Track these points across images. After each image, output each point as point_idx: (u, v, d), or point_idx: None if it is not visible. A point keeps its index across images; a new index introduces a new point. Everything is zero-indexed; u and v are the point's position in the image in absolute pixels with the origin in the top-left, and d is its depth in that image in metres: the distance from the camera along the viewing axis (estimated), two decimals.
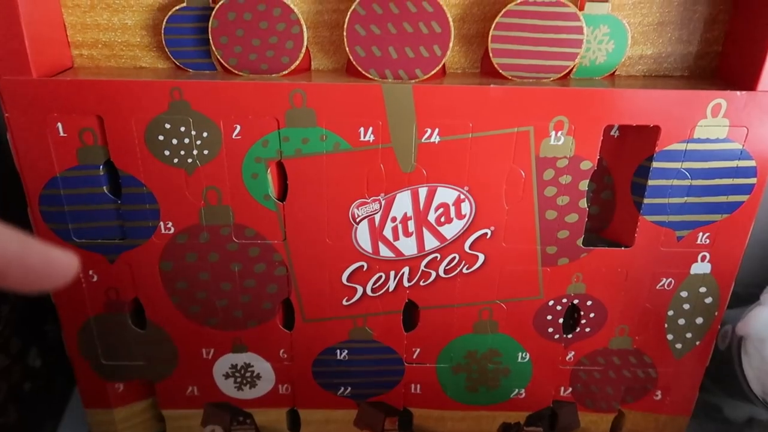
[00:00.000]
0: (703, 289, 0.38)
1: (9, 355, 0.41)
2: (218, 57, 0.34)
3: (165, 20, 0.34)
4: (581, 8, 0.33)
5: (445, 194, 0.35)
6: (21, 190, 0.35)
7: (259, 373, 0.41)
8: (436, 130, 0.33)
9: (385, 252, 0.37)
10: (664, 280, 0.37)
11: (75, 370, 0.40)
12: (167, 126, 0.33)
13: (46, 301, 0.38)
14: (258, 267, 0.37)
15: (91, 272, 0.37)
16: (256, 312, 0.38)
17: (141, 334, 0.39)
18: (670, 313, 0.39)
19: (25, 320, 0.43)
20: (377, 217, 0.36)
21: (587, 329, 0.39)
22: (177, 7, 0.33)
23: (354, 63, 0.34)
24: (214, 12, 0.33)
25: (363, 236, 0.36)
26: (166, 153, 0.34)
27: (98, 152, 0.34)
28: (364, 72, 0.34)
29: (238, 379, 0.41)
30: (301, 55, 0.34)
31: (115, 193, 0.35)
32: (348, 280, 0.37)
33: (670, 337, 0.39)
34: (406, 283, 0.38)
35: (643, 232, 0.36)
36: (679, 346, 0.40)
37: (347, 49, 0.33)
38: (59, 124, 0.33)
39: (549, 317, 0.39)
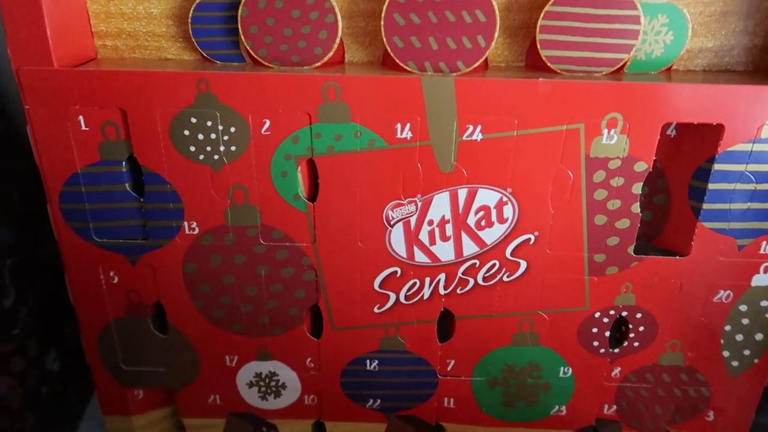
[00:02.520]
0: (764, 303, 0.35)
1: (27, 358, 0.39)
2: (247, 48, 0.32)
3: (192, 9, 0.32)
4: None
5: (487, 196, 0.33)
6: (41, 187, 0.33)
7: (285, 382, 0.39)
8: (479, 127, 0.31)
9: (420, 257, 0.34)
10: (722, 292, 0.35)
11: (94, 376, 0.39)
12: (193, 120, 0.31)
13: (66, 302, 0.37)
14: (286, 271, 0.35)
15: (111, 274, 0.35)
16: (282, 318, 0.37)
17: (162, 339, 0.37)
18: (727, 328, 0.36)
19: (43, 322, 0.41)
20: (413, 220, 0.33)
21: (636, 344, 0.37)
22: None
23: (391, 54, 0.32)
24: (244, 0, 0.31)
25: (397, 240, 0.34)
26: (192, 149, 0.32)
27: (121, 147, 0.32)
28: (402, 64, 0.32)
29: (263, 389, 0.39)
30: (335, 46, 0.32)
31: (138, 190, 0.33)
32: (380, 286, 0.35)
33: (726, 354, 0.37)
34: (441, 291, 0.35)
35: (701, 240, 0.33)
36: (735, 363, 0.37)
37: (384, 39, 0.31)
38: (81, 117, 0.31)
39: (594, 330, 0.36)
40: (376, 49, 0.34)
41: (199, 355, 0.38)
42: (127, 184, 0.33)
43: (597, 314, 0.36)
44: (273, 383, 0.39)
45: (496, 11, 0.30)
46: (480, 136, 0.31)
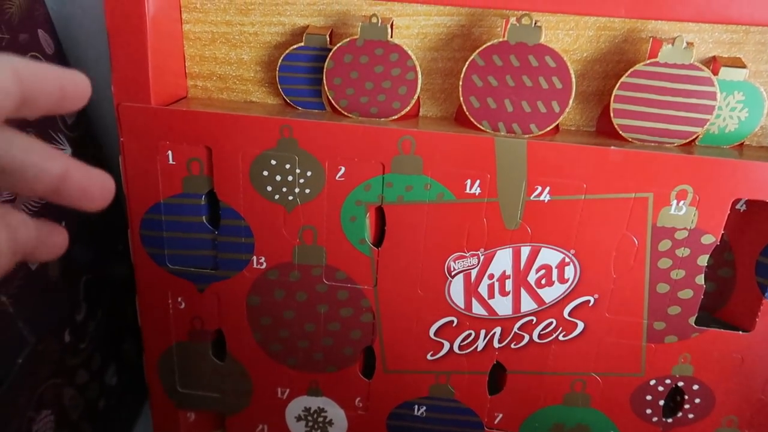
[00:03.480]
0: None
1: (90, 371, 0.41)
2: (330, 97, 0.34)
3: (281, 58, 0.34)
4: (715, 72, 0.31)
5: (549, 255, 0.33)
6: (117, 211, 0.35)
7: (332, 419, 0.39)
8: (547, 189, 0.32)
9: (477, 309, 0.35)
10: None
11: (150, 395, 0.40)
12: (273, 162, 0.33)
13: (128, 319, 0.38)
14: (345, 311, 0.36)
15: (179, 299, 0.37)
16: (336, 356, 0.37)
17: (220, 365, 0.39)
18: None
19: (108, 338, 0.43)
20: (474, 273, 0.34)
21: (690, 415, 0.36)
22: (295, 46, 0.33)
23: (467, 113, 0.33)
24: (331, 53, 0.33)
25: (457, 291, 0.34)
26: (269, 189, 0.33)
27: (203, 182, 0.34)
28: (476, 123, 0.33)
29: (310, 423, 0.40)
30: (413, 101, 0.33)
31: (213, 223, 0.35)
32: (435, 334, 0.36)
33: None
34: (496, 344, 0.36)
35: (766, 317, 0.33)
36: None
37: (461, 98, 0.32)
38: (169, 152, 0.33)
39: (649, 397, 0.36)
40: (450, 105, 0.35)
41: (253, 385, 0.39)
42: (204, 217, 0.35)
43: (652, 382, 0.35)
44: (321, 419, 0.40)
45: (573, 79, 0.31)
46: (547, 197, 0.32)
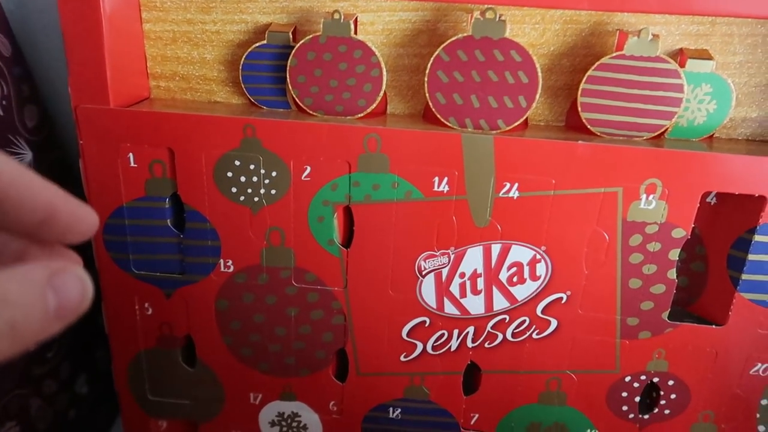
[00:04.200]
0: None
1: (58, 380, 0.40)
2: (294, 96, 0.33)
3: (244, 56, 0.33)
4: (682, 65, 0.31)
5: (520, 253, 0.33)
6: None
7: (306, 424, 0.39)
8: (516, 185, 0.31)
9: (450, 309, 0.34)
10: (760, 365, 0.34)
11: (120, 403, 0.39)
12: (237, 163, 0.32)
13: (98, 326, 0.37)
14: (315, 313, 0.35)
15: (146, 305, 0.36)
16: (308, 360, 0.37)
17: (190, 372, 0.38)
18: (764, 402, 0.35)
19: (77, 345, 0.42)
20: (444, 272, 0.33)
21: (666, 411, 0.36)
22: (257, 44, 0.33)
23: (433, 110, 0.32)
24: (294, 50, 0.32)
25: (428, 290, 0.34)
26: (233, 190, 0.33)
27: (166, 185, 0.33)
28: (443, 119, 0.32)
29: (284, 428, 0.39)
30: (379, 98, 0.33)
31: (178, 227, 0.34)
32: (408, 335, 0.35)
33: (761, 428, 0.35)
34: (469, 344, 0.35)
35: (739, 311, 0.32)
36: None
37: (427, 95, 0.32)
38: (131, 155, 0.33)
39: (624, 394, 0.35)
40: (417, 102, 0.35)
41: (224, 391, 0.38)
42: (168, 220, 0.34)
43: (627, 378, 0.35)
44: (295, 424, 0.39)
45: (539, 74, 0.31)
46: (516, 194, 0.31)
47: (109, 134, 0.32)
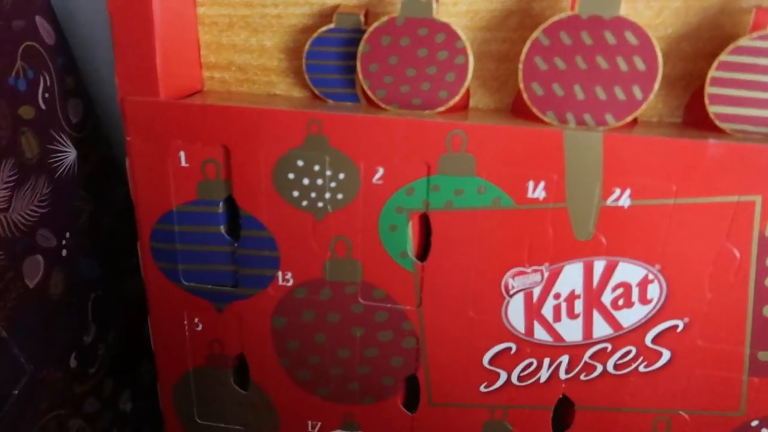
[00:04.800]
0: None
1: (101, 398, 0.37)
2: (364, 87, 0.29)
3: (308, 43, 0.29)
4: None
5: (629, 271, 0.28)
6: (132, 219, 0.31)
7: None
8: (627, 192, 0.27)
9: (540, 335, 0.30)
10: None
11: (166, 427, 0.36)
12: (300, 163, 0.28)
13: (146, 338, 0.34)
14: (383, 335, 0.31)
15: (196, 320, 0.33)
16: (374, 387, 0.33)
17: (242, 395, 0.34)
18: None
19: (120, 360, 0.39)
20: (536, 292, 0.29)
21: None
22: (324, 29, 0.29)
23: (528, 102, 0.28)
24: (366, 35, 0.28)
25: (515, 313, 0.30)
26: (295, 194, 0.29)
27: (220, 187, 0.30)
28: (539, 114, 0.28)
29: None
30: (463, 90, 0.28)
31: (232, 234, 0.31)
32: (490, 362, 0.31)
33: None
34: (562, 375, 0.30)
35: None
36: None
37: (522, 85, 0.27)
38: (182, 153, 0.29)
39: None
40: (505, 95, 0.30)
41: (279, 417, 0.35)
42: (222, 227, 0.31)
43: (754, 423, 0.30)
44: None
45: (659, 59, 0.26)
46: (627, 202, 0.27)
47: (158, 130, 0.29)
